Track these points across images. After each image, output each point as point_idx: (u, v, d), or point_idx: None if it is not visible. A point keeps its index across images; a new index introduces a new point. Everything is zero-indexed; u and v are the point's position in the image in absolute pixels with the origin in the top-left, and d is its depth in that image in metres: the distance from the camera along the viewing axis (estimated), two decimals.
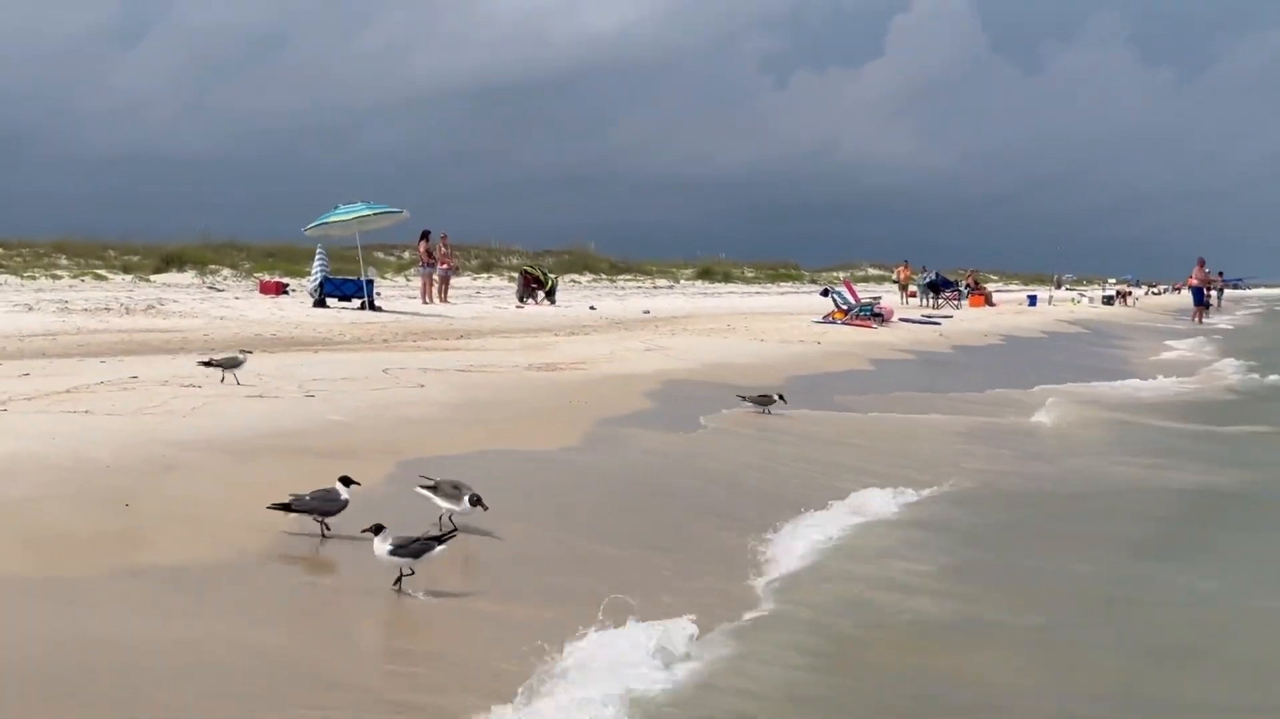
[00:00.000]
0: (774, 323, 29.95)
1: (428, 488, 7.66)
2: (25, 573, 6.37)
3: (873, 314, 31.90)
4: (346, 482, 7.45)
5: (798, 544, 8.32)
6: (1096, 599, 7.80)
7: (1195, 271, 48.08)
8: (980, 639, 6.86)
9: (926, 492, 10.41)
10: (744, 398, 13.68)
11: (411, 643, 6.24)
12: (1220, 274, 57.79)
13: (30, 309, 24.79)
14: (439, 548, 6.70)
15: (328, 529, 7.43)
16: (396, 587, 6.61)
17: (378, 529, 6.65)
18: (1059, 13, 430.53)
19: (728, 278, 69.02)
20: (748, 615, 6.85)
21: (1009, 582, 8.05)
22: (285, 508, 7.32)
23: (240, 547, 7.12)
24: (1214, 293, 53.66)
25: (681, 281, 64.24)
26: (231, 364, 12.53)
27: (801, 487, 10.33)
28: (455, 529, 7.10)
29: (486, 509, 7.55)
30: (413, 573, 6.61)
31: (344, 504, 7.40)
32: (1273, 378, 23.46)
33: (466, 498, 7.55)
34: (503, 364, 15.99)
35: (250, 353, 13.55)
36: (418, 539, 6.67)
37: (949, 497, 10.41)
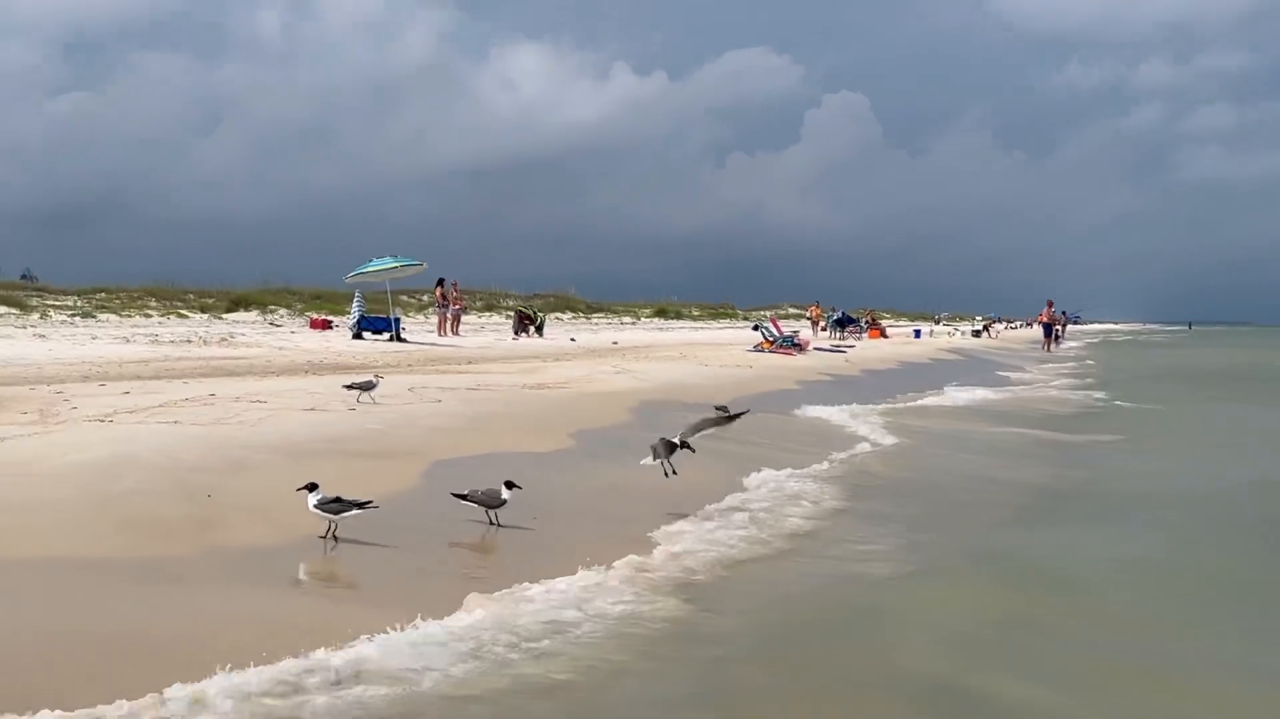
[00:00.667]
0: (715, 352, 29.96)
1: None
2: (129, 553, 6.34)
3: (793, 344, 32.00)
4: (509, 485, 7.40)
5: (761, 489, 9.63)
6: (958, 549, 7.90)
7: (1045, 310, 48.52)
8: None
9: (824, 467, 10.77)
10: (716, 408, 13.94)
11: (432, 599, 6.18)
12: (1064, 313, 58.52)
13: (127, 341, 24.53)
14: (354, 510, 6.79)
15: (498, 520, 7.40)
16: (325, 536, 6.79)
17: (311, 487, 6.81)
18: (937, 108, 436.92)
19: (678, 315, 68.97)
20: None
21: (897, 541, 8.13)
22: (463, 498, 7.38)
23: (299, 530, 7.07)
24: (1059, 328, 54.28)
25: (642, 319, 64.04)
26: (368, 386, 11.90)
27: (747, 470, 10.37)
28: (372, 500, 7.00)
29: (694, 451, 8.30)
30: (335, 526, 6.79)
31: (504, 502, 7.38)
32: (1110, 395, 23.85)
33: (676, 439, 8.25)
34: (503, 384, 15.95)
35: (382, 377, 12.66)
36: (339, 500, 6.80)
37: (860, 476, 10.60)
